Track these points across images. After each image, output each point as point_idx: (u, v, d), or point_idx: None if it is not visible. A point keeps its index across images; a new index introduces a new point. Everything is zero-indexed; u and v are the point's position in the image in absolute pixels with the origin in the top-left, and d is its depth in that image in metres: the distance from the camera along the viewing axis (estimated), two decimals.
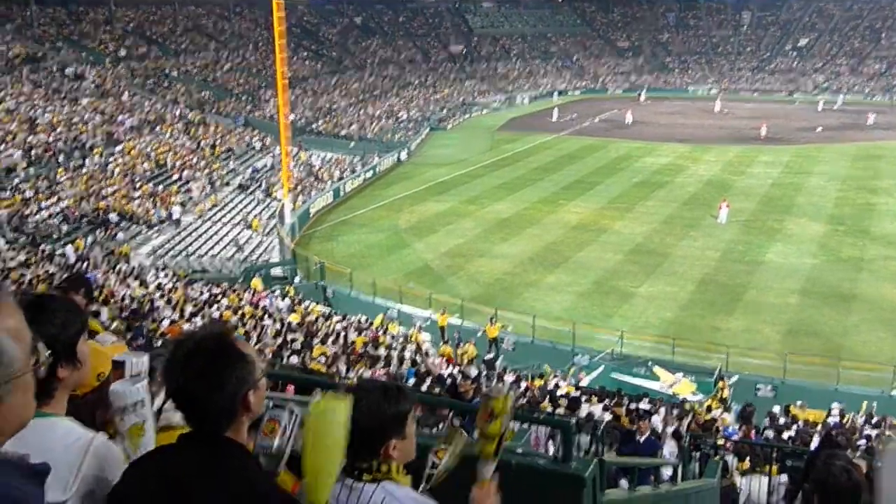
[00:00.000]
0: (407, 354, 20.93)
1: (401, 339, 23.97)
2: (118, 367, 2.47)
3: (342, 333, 22.60)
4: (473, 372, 18.73)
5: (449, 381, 15.13)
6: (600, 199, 43.19)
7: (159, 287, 25.47)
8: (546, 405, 15.15)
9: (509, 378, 19.33)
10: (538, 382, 19.41)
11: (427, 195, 45.70)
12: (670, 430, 12.76)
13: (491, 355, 24.15)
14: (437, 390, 14.18)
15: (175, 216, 37.34)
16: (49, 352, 1.61)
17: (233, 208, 41.49)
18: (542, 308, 27.68)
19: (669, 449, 11.67)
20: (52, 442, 2.03)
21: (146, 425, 2.32)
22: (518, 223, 39.05)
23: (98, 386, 2.55)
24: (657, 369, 23.11)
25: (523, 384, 18.51)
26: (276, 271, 33.52)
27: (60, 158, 38.92)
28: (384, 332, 24.10)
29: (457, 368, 20.05)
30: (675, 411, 16.19)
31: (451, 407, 7.92)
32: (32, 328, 1.74)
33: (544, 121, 71.07)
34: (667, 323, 26.87)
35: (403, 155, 56.93)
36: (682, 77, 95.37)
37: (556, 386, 18.55)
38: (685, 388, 21.55)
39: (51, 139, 40.19)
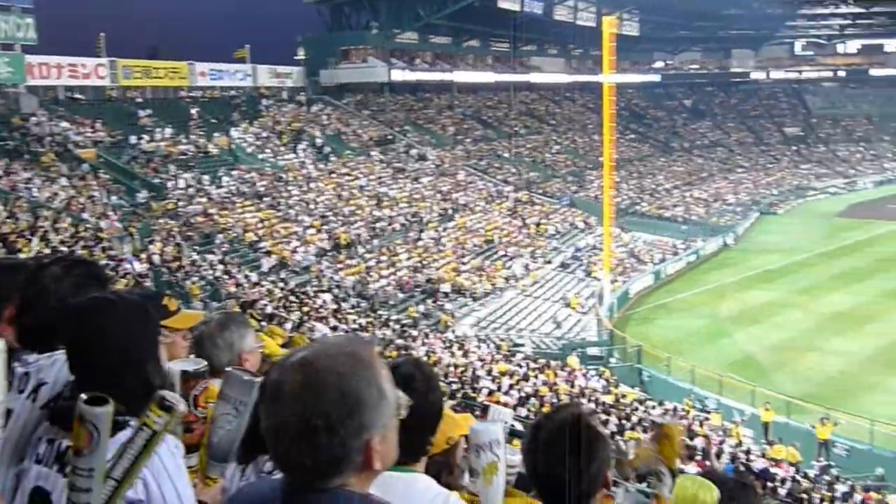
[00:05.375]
0: (726, 449, 19.87)
1: (720, 433, 22.84)
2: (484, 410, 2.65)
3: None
4: (760, 465, 17.34)
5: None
6: None
7: (480, 358, 26.54)
8: None
9: (842, 487, 17.61)
10: (876, 496, 17.51)
11: (753, 283, 43.52)
12: None
13: (823, 461, 22.16)
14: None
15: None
16: (409, 399, 1.76)
17: (553, 286, 42.33)
18: (884, 413, 24.88)
19: None
20: (413, 495, 2.21)
21: (499, 465, 2.44)
22: (856, 318, 35.83)
23: (446, 450, 2.73)
24: None
25: (857, 497, 16.79)
26: (593, 351, 33.55)
27: (400, 232, 42.43)
28: (702, 424, 23.11)
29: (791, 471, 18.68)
30: None
31: None
32: (413, 396, 2.02)
33: (892, 208, 64.90)
34: None
35: (730, 240, 54.92)
36: None
37: None
38: None
39: (393, 214, 43.94)
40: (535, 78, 79.28)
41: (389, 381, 1.63)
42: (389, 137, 57.71)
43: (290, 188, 42.89)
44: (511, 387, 22.68)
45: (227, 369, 2.57)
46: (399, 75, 63.62)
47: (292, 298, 28.63)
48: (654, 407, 24.44)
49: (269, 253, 34.87)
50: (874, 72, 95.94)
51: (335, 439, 1.53)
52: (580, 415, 2.22)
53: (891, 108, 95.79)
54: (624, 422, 20.93)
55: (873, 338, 33.08)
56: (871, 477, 21.65)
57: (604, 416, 20.88)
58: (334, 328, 25.07)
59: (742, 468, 16.83)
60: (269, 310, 24.80)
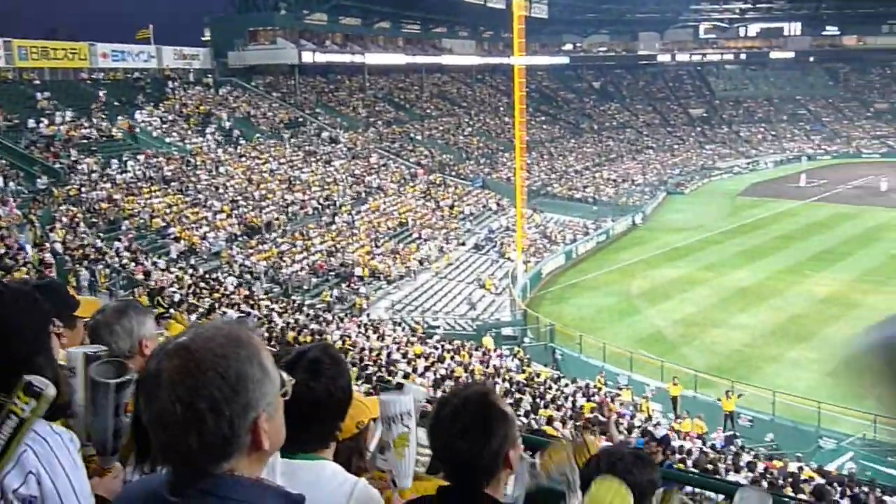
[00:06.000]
0: (637, 423, 20.35)
1: (631, 408, 23.40)
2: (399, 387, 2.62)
3: (570, 398, 22.43)
4: (662, 433, 17.87)
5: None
6: (852, 272, 40.17)
7: (395, 340, 26.54)
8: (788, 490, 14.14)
9: (746, 457, 18.25)
10: (778, 464, 18.22)
11: (661, 261, 44.61)
12: None
13: (730, 432, 22.96)
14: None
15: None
16: (293, 379, 1.74)
17: (467, 267, 42.58)
18: (784, 384, 25.96)
19: None
20: (321, 482, 2.17)
21: (410, 436, 2.42)
22: (758, 293, 37.14)
23: (356, 434, 2.70)
24: None
25: (761, 465, 17.43)
26: (507, 331, 33.90)
27: (313, 216, 42.01)
28: (613, 400, 23.63)
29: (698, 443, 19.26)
30: None
31: (681, 480, 7.59)
32: (322, 381, 2.08)
33: (790, 186, 67.39)
34: None
35: (638, 219, 56.12)
36: None
37: (800, 469, 17.28)
38: None
39: (306, 197, 43.45)
40: (446, 60, 79.32)
41: (271, 360, 1.61)
42: (300, 120, 57.03)
43: (198, 172, 41.96)
44: (426, 369, 22.73)
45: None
46: (309, 57, 62.67)
47: (202, 285, 28.07)
48: (566, 385, 24.86)
49: (177, 239, 34.09)
50: (774, 55, 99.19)
51: (222, 420, 1.50)
52: (485, 392, 2.21)
53: (790, 89, 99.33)
54: (538, 400, 21.21)
55: (774, 312, 34.35)
56: (771, 446, 22.61)
57: (518, 395, 21.13)
58: (246, 314, 24.70)
59: (646, 436, 17.25)
60: (177, 297, 24.25)
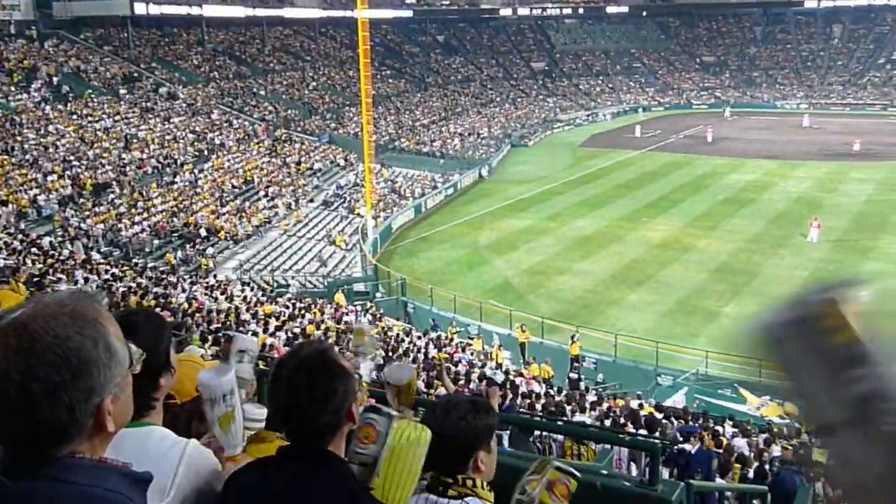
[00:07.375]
0: (487, 372, 20.85)
1: (481, 357, 23.95)
2: (229, 339, 2.58)
3: (422, 349, 22.71)
4: (500, 378, 18.53)
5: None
6: (684, 217, 42.40)
7: (245, 300, 26.02)
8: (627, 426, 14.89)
9: (591, 397, 19.09)
10: (620, 402, 19.14)
11: (507, 212, 45.62)
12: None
13: (575, 375, 23.92)
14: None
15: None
16: (142, 352, 1.66)
17: (316, 224, 42.15)
18: (625, 327, 27.30)
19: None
20: (149, 449, 2.10)
21: (235, 413, 2.39)
22: (599, 240, 38.64)
23: (196, 397, 2.63)
24: (743, 391, 22.53)
25: (605, 404, 18.27)
26: (359, 286, 33.90)
27: (153, 175, 40.34)
28: (463, 349, 24.11)
29: (542, 387, 19.94)
30: (764, 436, 15.74)
31: (528, 425, 7.85)
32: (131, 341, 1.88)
33: (627, 137, 70.20)
34: None
35: (484, 172, 57.00)
36: (770, 92, 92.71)
37: (640, 406, 18.22)
38: (773, 412, 20.93)
39: (144, 156, 41.64)
40: (288, 13, 77.37)
41: (119, 337, 1.53)
42: (135, 75, 54.34)
43: (25, 131, 39.37)
44: (277, 328, 22.44)
45: None
46: (142, 8, 59.56)
47: (34, 250, 26.51)
48: (419, 337, 25.18)
49: (4, 202, 32.01)
50: (610, 9, 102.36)
51: (59, 406, 1.41)
52: (322, 350, 2.20)
53: (625, 43, 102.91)
54: (391, 353, 21.37)
55: (614, 258, 35.83)
56: (601, 384, 23.78)
57: None
58: (85, 280, 23.56)
59: (483, 380, 17.75)
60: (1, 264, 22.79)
